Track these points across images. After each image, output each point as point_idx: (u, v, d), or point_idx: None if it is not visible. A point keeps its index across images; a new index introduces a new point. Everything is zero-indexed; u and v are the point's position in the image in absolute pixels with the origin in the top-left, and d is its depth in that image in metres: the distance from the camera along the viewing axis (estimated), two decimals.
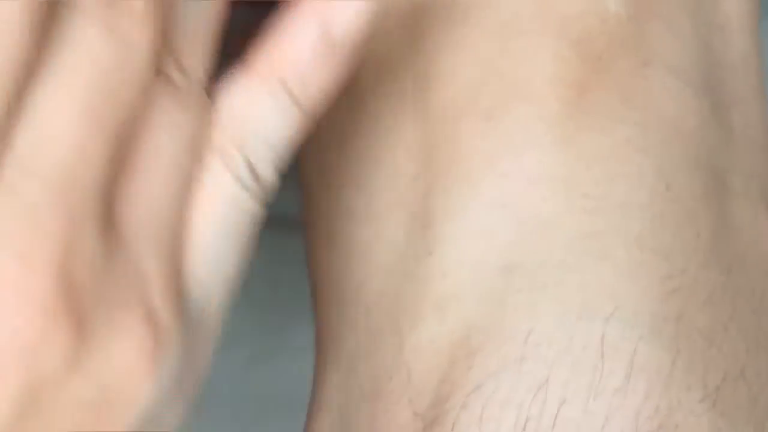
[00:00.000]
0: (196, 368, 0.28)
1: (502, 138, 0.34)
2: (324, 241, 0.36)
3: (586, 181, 0.33)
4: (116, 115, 0.26)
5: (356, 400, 0.33)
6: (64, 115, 0.25)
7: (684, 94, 0.34)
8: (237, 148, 0.28)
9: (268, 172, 0.29)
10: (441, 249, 0.33)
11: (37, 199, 0.24)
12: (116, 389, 0.26)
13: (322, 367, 0.36)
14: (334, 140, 0.35)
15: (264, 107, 0.29)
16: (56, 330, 0.24)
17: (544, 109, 0.34)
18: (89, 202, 0.25)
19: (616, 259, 0.32)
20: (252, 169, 0.28)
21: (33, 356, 0.24)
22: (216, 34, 0.28)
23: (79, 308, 0.25)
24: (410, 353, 0.33)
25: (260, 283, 0.53)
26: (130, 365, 0.26)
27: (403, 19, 0.35)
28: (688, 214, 0.33)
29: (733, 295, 0.33)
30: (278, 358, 0.54)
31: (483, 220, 0.33)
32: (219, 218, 0.28)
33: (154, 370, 0.26)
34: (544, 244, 0.33)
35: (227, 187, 0.28)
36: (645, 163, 0.33)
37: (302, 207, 0.37)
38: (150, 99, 0.27)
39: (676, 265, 0.33)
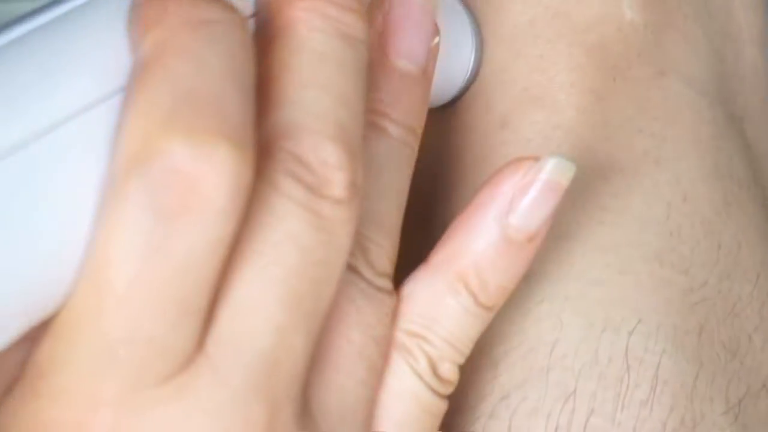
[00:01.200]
0: None
1: (519, 144, 0.33)
2: None
3: (603, 192, 0.33)
4: (317, 305, 0.24)
5: None
6: (265, 299, 0.24)
7: (699, 104, 0.34)
8: (419, 346, 0.27)
9: (450, 371, 0.28)
10: None
11: (242, 383, 0.23)
12: None
13: None
14: None
15: (445, 305, 0.28)
16: None
17: (561, 116, 0.33)
18: (289, 388, 0.24)
19: (637, 273, 0.32)
20: (434, 368, 0.28)
21: None
22: (399, 229, 0.28)
23: None
24: None
25: None
26: None
27: None
28: (708, 225, 0.33)
29: (761, 305, 0.33)
30: None
31: None
32: (401, 416, 0.27)
33: None
34: (564, 255, 0.32)
35: (410, 384, 0.27)
36: (662, 175, 0.33)
37: None
38: (341, 289, 0.26)
39: (697, 278, 0.32)
